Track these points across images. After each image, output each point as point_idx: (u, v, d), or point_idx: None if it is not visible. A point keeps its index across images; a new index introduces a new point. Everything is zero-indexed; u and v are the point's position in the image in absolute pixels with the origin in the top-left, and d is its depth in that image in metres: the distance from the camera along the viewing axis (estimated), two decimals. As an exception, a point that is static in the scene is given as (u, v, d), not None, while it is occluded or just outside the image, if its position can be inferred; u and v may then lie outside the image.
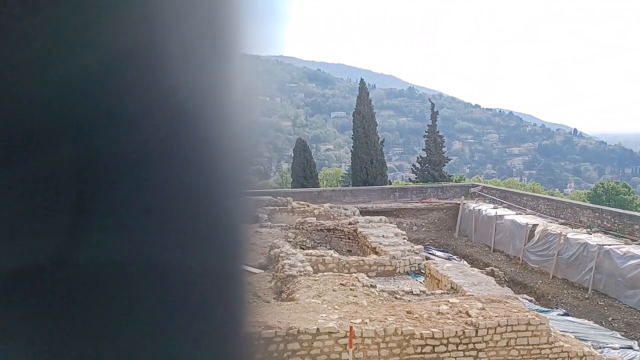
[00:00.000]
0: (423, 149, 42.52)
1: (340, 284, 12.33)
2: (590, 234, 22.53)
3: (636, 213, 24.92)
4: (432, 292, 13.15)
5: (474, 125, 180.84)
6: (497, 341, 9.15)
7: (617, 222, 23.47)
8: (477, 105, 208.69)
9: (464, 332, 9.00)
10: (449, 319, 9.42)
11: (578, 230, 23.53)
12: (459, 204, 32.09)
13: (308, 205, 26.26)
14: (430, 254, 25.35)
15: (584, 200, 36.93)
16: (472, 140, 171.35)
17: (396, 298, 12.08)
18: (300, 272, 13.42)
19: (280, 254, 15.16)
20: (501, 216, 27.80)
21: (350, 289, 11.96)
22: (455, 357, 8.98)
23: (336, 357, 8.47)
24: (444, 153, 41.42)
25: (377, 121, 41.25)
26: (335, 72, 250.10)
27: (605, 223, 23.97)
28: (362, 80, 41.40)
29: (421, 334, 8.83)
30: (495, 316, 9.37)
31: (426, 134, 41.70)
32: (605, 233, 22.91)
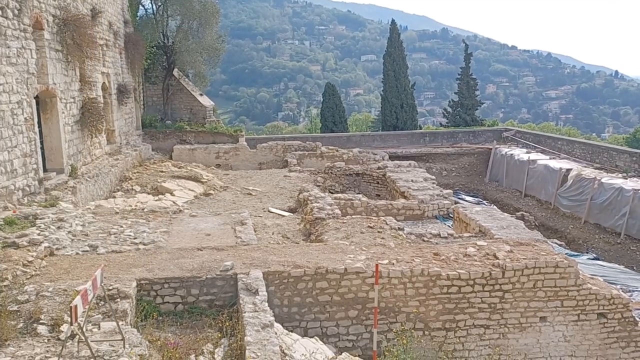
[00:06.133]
0: (455, 93, 41.55)
1: (368, 226, 12.49)
2: (626, 179, 22.00)
3: (676, 157, 24.06)
4: (460, 235, 13.19)
5: (510, 67, 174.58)
6: (523, 282, 9.22)
7: (655, 166, 22.81)
8: (513, 47, 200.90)
9: (490, 274, 9.09)
10: (476, 260, 9.50)
11: (613, 175, 22.99)
12: (491, 148, 31.59)
13: (337, 150, 26.27)
14: (459, 198, 25.28)
15: (621, 145, 35.80)
16: (507, 84, 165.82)
17: (423, 240, 12.19)
18: (329, 215, 13.61)
19: (309, 198, 15.36)
20: (534, 161, 27.32)
21: (378, 232, 12.12)
22: (481, 298, 9.12)
23: (363, 295, 8.70)
24: (477, 97, 40.40)
25: (409, 64, 40.25)
26: (366, 14, 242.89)
27: (642, 168, 23.33)
28: (393, 21, 40.16)
29: (447, 274, 8.96)
30: (523, 258, 9.40)
31: (459, 77, 40.61)
32: (642, 178, 22.34)
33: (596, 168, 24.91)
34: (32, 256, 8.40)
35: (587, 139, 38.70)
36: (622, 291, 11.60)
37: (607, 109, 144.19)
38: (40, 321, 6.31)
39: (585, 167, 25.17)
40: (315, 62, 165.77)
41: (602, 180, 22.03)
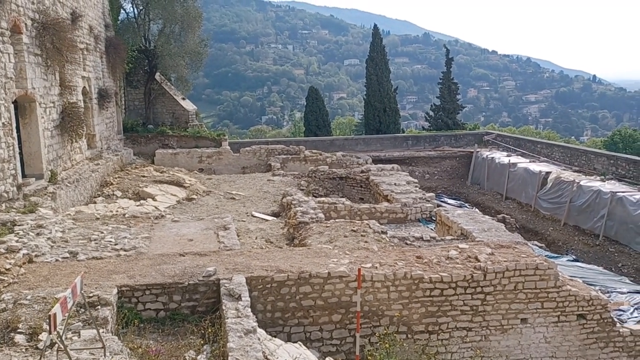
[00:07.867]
0: (437, 97, 41.91)
1: (352, 230, 12.52)
2: (604, 182, 22.37)
3: (652, 160, 24.51)
4: (442, 238, 13.28)
5: (490, 72, 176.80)
6: (505, 285, 9.32)
7: (632, 169, 23.22)
8: (494, 52, 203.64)
9: (472, 276, 9.18)
10: (458, 263, 9.58)
11: (592, 177, 23.36)
12: (472, 152, 31.89)
13: (320, 154, 26.30)
14: (442, 201, 25.48)
15: (599, 148, 36.43)
16: (488, 88, 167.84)
17: (406, 244, 12.24)
18: (312, 219, 13.61)
19: (293, 202, 15.34)
20: (514, 164, 27.65)
21: (362, 235, 12.15)
22: (463, 300, 9.20)
23: (347, 299, 8.71)
24: (458, 101, 40.79)
25: (391, 68, 40.52)
26: (348, 18, 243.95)
27: (619, 170, 23.74)
28: (375, 26, 40.42)
29: (430, 277, 9.02)
30: (504, 261, 9.51)
31: (441, 81, 40.99)
32: (620, 180, 22.74)
33: (575, 171, 25.28)
34: (10, 263, 8.26)
35: (566, 142, 39.30)
36: (601, 292, 11.77)
37: (585, 112, 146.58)
38: (18, 330, 6.20)
39: (564, 170, 25.54)
40: (298, 66, 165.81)
41: (581, 183, 22.38)
